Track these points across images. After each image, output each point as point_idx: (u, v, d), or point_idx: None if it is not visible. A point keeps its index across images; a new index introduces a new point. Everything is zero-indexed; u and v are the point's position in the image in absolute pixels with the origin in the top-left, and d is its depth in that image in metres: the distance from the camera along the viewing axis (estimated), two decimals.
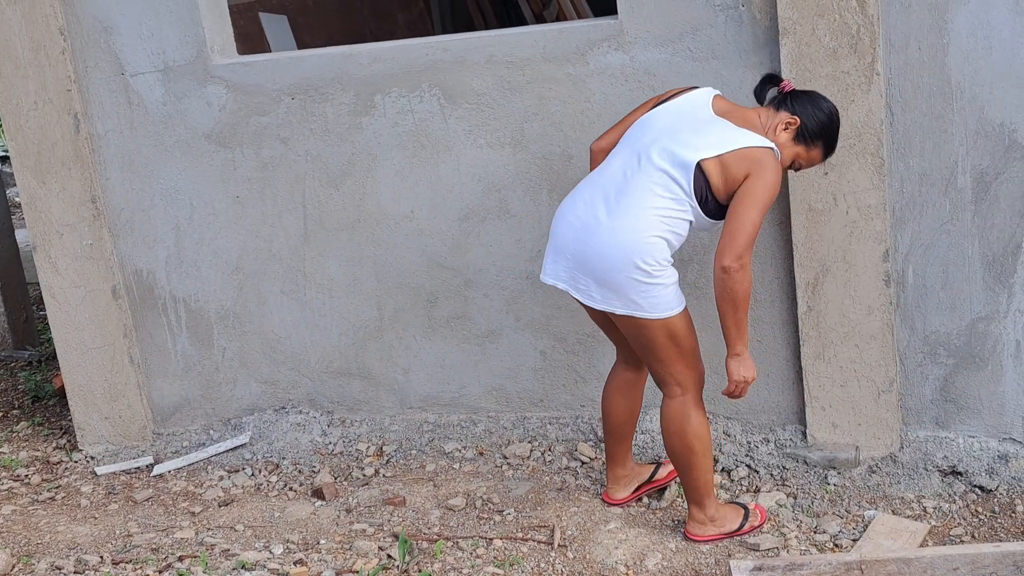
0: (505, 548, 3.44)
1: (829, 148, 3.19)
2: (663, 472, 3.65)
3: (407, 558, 3.39)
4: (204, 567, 3.42)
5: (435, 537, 3.53)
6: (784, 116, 3.15)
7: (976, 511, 3.46)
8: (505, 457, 4.03)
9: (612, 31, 3.65)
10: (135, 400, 4.42)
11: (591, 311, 3.31)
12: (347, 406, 4.32)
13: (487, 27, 7.36)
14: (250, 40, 5.17)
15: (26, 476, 4.33)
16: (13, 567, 3.54)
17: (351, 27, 6.34)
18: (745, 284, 3.00)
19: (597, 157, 3.36)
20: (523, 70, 3.77)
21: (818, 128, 3.14)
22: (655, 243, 3.08)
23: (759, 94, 3.24)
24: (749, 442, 3.82)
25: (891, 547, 3.26)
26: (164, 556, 3.54)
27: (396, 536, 3.54)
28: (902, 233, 3.54)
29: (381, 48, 3.95)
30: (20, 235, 7.06)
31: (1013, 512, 3.43)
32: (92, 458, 4.44)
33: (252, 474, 4.16)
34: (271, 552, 3.51)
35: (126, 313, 4.35)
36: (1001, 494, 3.51)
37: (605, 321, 3.37)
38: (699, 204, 3.08)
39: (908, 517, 3.46)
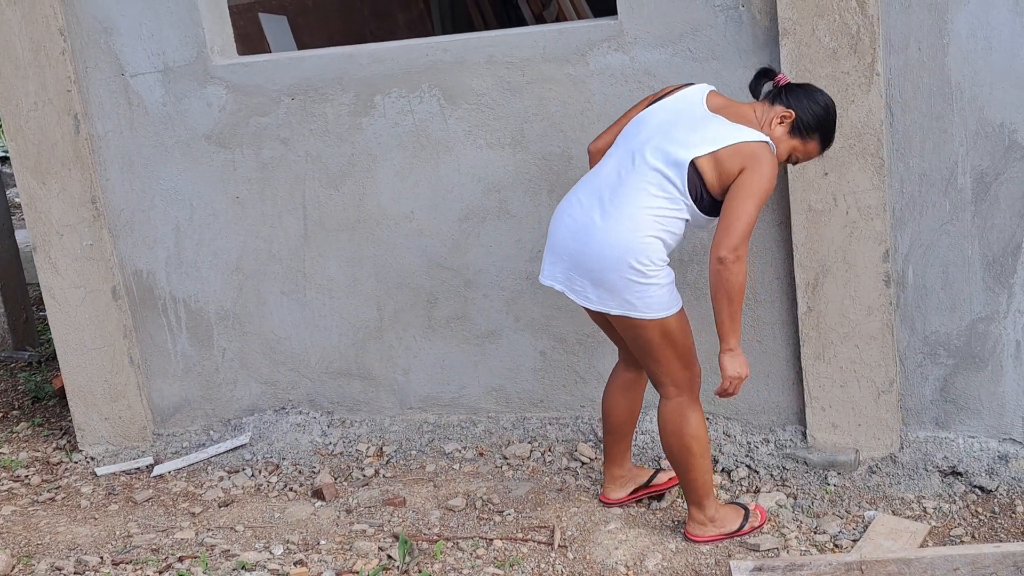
0: (505, 549, 3.44)
1: (826, 141, 3.18)
2: (662, 478, 3.63)
3: (407, 559, 3.39)
4: (204, 568, 3.42)
5: (435, 538, 3.53)
6: (779, 110, 3.14)
7: (976, 511, 3.46)
8: (505, 457, 4.03)
9: (612, 32, 3.65)
10: (135, 401, 4.42)
11: (591, 312, 3.31)
12: (347, 406, 4.32)
13: (487, 27, 7.37)
14: (250, 41, 5.17)
15: (26, 477, 4.34)
16: (13, 568, 3.54)
17: (351, 27, 6.34)
18: (740, 276, 3.00)
19: (595, 158, 3.36)
20: (523, 70, 3.77)
21: (814, 121, 3.13)
22: (650, 243, 3.08)
23: (754, 88, 3.23)
24: (749, 442, 3.82)
25: (891, 547, 3.26)
26: (164, 557, 3.54)
27: (396, 537, 3.54)
28: (902, 233, 3.54)
29: (381, 49, 3.95)
30: (20, 235, 7.06)
31: (1013, 512, 3.43)
32: (92, 459, 4.44)
33: (252, 475, 4.16)
34: (271, 553, 3.51)
35: (126, 314, 4.35)
36: (1001, 494, 3.51)
37: (605, 322, 3.37)
38: (694, 202, 3.08)
39: (908, 517, 3.46)
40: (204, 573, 3.39)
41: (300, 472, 4.13)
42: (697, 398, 3.29)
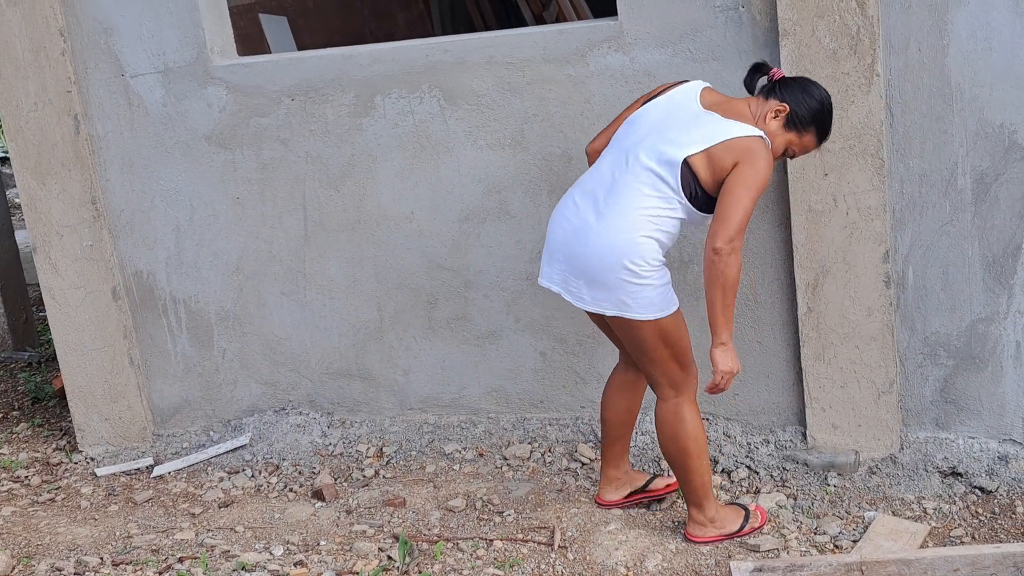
0: (505, 549, 3.44)
1: (822, 133, 3.17)
2: (658, 484, 3.61)
3: (407, 559, 3.39)
4: (204, 568, 3.42)
5: (435, 538, 3.53)
6: (773, 104, 3.13)
7: (976, 512, 3.46)
8: (505, 458, 4.03)
9: (612, 32, 3.65)
10: (135, 401, 4.42)
11: (590, 313, 3.31)
12: (347, 407, 4.32)
13: (487, 28, 7.37)
14: (250, 41, 5.17)
15: (26, 477, 4.33)
16: (13, 568, 3.54)
17: (351, 28, 6.34)
18: (735, 268, 2.98)
19: (592, 159, 3.36)
20: (523, 71, 3.77)
21: (808, 114, 3.12)
22: (644, 243, 3.08)
23: (749, 83, 3.22)
24: (749, 443, 3.82)
25: (891, 548, 3.26)
26: (164, 557, 3.54)
27: (396, 537, 3.54)
28: (902, 234, 3.54)
29: (381, 49, 3.95)
30: (20, 236, 7.07)
31: (1013, 513, 3.43)
32: (92, 459, 4.44)
33: (252, 475, 4.16)
34: (271, 553, 3.51)
35: (126, 314, 4.35)
36: (1001, 495, 3.51)
37: (603, 323, 3.37)
38: (689, 200, 3.08)
39: (908, 518, 3.46)
40: (204, 574, 3.39)
41: (300, 473, 4.13)
42: (694, 399, 3.29)
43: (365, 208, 4.07)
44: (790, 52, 3.41)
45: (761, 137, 3.05)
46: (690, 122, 3.11)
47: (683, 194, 3.06)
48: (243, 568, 3.40)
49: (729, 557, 3.29)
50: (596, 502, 3.63)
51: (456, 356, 4.14)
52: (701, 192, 3.06)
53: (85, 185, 4.21)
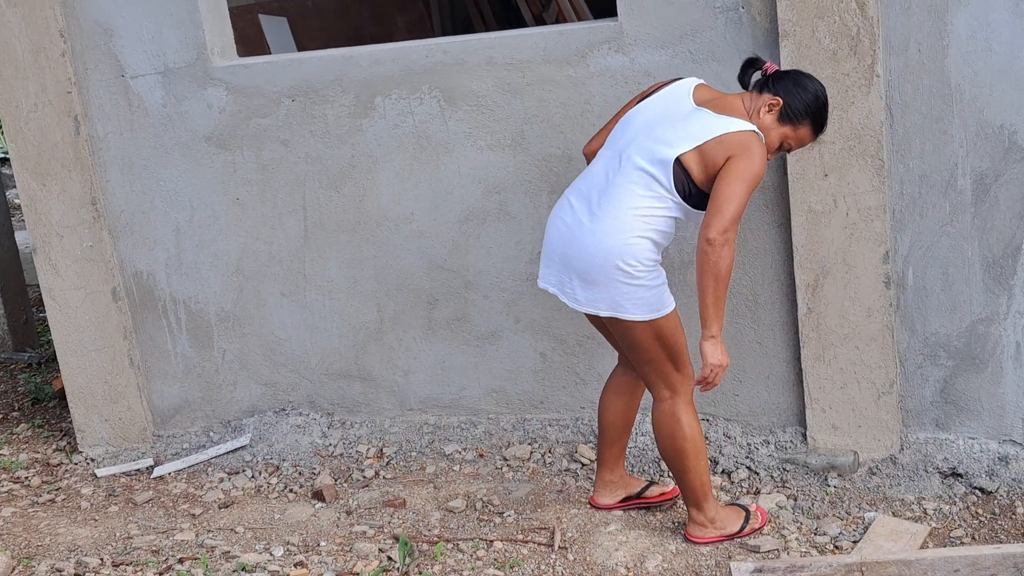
0: (505, 550, 3.44)
1: (818, 126, 3.16)
2: (653, 492, 3.59)
3: (407, 560, 3.39)
4: (205, 569, 3.42)
5: (435, 539, 3.53)
6: (767, 98, 3.12)
7: (976, 513, 3.46)
8: (505, 459, 4.03)
9: (612, 33, 3.65)
10: (135, 402, 4.42)
11: (587, 314, 3.31)
12: (347, 408, 4.32)
13: (487, 29, 7.37)
14: (250, 42, 5.17)
15: (26, 478, 4.33)
16: (13, 569, 3.54)
17: (351, 29, 6.34)
18: (728, 260, 2.96)
19: (590, 160, 3.36)
20: (523, 72, 3.77)
21: (802, 107, 3.11)
22: (637, 243, 3.08)
23: (742, 79, 3.22)
24: (749, 444, 3.83)
25: (891, 549, 3.26)
26: (164, 558, 3.54)
27: (396, 538, 3.54)
28: (902, 235, 3.54)
29: (381, 50, 3.95)
30: (20, 237, 7.06)
31: (1013, 514, 3.43)
32: (92, 460, 4.44)
33: (252, 476, 4.16)
34: (271, 554, 3.51)
35: (126, 315, 4.35)
36: (1001, 496, 3.51)
37: (601, 324, 3.37)
38: (683, 199, 3.07)
39: (908, 519, 3.46)
40: (204, 574, 3.39)
41: (300, 473, 4.13)
42: (691, 400, 3.28)
43: (365, 209, 4.07)
44: (790, 53, 3.42)
45: (754, 131, 3.04)
46: (682, 120, 3.11)
47: (676, 193, 3.06)
48: (243, 569, 3.40)
49: (729, 558, 3.29)
50: (589, 503, 3.63)
51: (456, 357, 4.14)
52: (695, 190, 3.06)
53: (85, 186, 4.21)
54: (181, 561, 3.51)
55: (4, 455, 4.56)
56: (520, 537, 3.51)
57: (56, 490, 4.22)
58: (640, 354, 3.22)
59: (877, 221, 3.48)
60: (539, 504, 3.71)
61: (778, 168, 3.58)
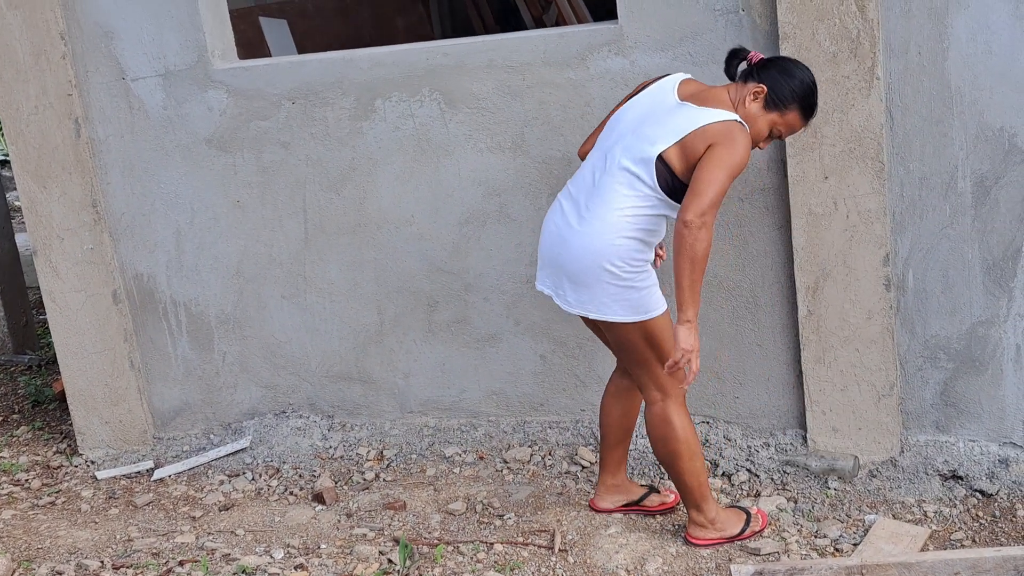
0: (506, 552, 3.44)
1: (806, 110, 3.13)
2: (654, 500, 3.59)
3: (408, 562, 3.39)
4: (205, 572, 3.41)
5: (436, 541, 3.53)
6: (751, 86, 3.10)
7: (977, 515, 3.46)
8: (505, 461, 4.03)
9: (612, 36, 3.66)
10: (135, 404, 4.42)
11: (583, 317, 3.31)
12: (347, 410, 4.32)
13: (487, 32, 7.37)
14: (250, 45, 5.17)
15: (26, 481, 4.33)
16: (13, 572, 3.54)
17: (351, 32, 6.34)
18: (704, 243, 2.94)
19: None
20: (523, 75, 3.78)
21: (787, 92, 3.09)
22: (623, 244, 3.08)
23: (728, 70, 3.20)
24: (749, 446, 3.82)
25: (892, 551, 3.26)
26: (165, 561, 3.54)
27: (397, 540, 3.54)
28: (902, 237, 3.54)
29: (381, 53, 3.95)
30: (20, 239, 7.07)
31: (1014, 516, 3.43)
32: (92, 462, 4.44)
33: (252, 478, 4.16)
34: (272, 557, 3.51)
35: (126, 317, 4.36)
36: (1002, 498, 3.51)
37: (596, 327, 3.38)
38: (668, 195, 3.07)
39: (909, 521, 3.46)
40: None
41: (300, 476, 4.13)
42: (683, 402, 3.28)
43: (365, 211, 4.07)
44: (790, 55, 3.41)
45: (736, 120, 3.03)
46: (665, 116, 3.10)
47: (660, 190, 3.06)
48: (243, 571, 3.40)
49: (730, 560, 3.29)
50: (589, 506, 3.63)
51: (456, 359, 4.14)
52: (678, 183, 3.05)
53: (86, 188, 4.21)
54: (181, 564, 3.50)
55: (4, 457, 4.56)
56: (520, 539, 3.51)
57: (56, 492, 4.22)
58: (630, 355, 3.23)
59: (877, 223, 3.48)
60: (539, 507, 3.71)
61: (778, 170, 3.59)
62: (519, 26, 7.10)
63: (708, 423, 3.90)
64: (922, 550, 3.30)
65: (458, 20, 7.95)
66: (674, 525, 3.51)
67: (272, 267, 4.22)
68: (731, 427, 3.89)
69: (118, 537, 3.78)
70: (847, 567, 3.04)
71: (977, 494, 3.54)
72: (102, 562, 3.58)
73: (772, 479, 3.73)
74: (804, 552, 3.34)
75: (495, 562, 3.39)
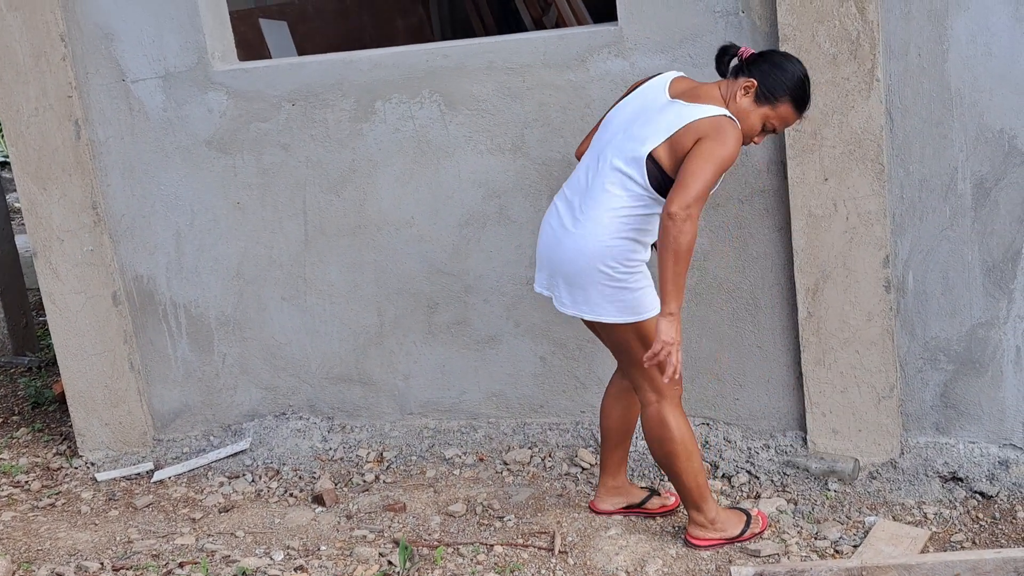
0: (506, 554, 3.44)
1: (799, 102, 3.12)
2: (654, 503, 3.58)
3: (408, 564, 3.39)
4: (205, 573, 3.41)
5: (436, 543, 3.53)
6: (742, 81, 3.10)
7: (977, 517, 3.46)
8: (505, 463, 4.03)
9: (612, 37, 3.66)
10: (135, 406, 4.42)
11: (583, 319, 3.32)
12: (347, 412, 4.32)
13: (487, 33, 7.37)
14: (250, 46, 5.17)
15: (26, 482, 4.33)
16: (13, 573, 3.54)
17: (351, 33, 6.35)
18: (689, 236, 2.92)
19: None
20: (523, 76, 3.78)
21: (777, 84, 3.08)
22: (617, 245, 3.08)
23: (719, 67, 3.20)
24: (750, 448, 3.82)
25: (892, 553, 3.26)
26: (165, 562, 3.54)
27: (397, 542, 3.54)
28: (902, 239, 3.54)
29: (381, 54, 3.95)
30: (20, 241, 7.07)
31: (1014, 518, 3.43)
32: (92, 464, 4.43)
33: (252, 480, 4.16)
34: (272, 558, 3.51)
35: (126, 319, 4.35)
36: (1002, 500, 3.51)
37: (595, 329, 3.38)
38: (660, 194, 3.06)
39: (909, 523, 3.46)
40: None
41: (300, 478, 4.13)
42: (678, 403, 3.28)
43: (365, 213, 4.07)
44: None
45: (725, 115, 3.02)
46: (655, 115, 3.10)
47: (651, 189, 3.06)
48: (243, 573, 3.40)
49: (730, 562, 3.29)
50: (589, 508, 3.63)
51: (456, 361, 4.14)
52: (669, 181, 3.04)
53: (86, 190, 4.21)
54: (181, 565, 3.50)
55: (4, 459, 4.56)
56: (520, 541, 3.51)
57: (56, 494, 4.22)
58: (625, 356, 3.23)
59: (877, 225, 3.48)
60: (539, 508, 3.71)
61: (778, 172, 3.59)
62: (519, 28, 7.11)
63: (708, 425, 3.90)
64: (922, 552, 3.30)
65: (458, 22, 7.96)
66: (674, 527, 3.51)
67: (272, 269, 4.22)
68: (731, 429, 3.89)
69: (118, 539, 3.78)
70: (847, 569, 3.04)
71: (977, 496, 3.54)
72: (102, 564, 3.57)
73: (772, 481, 3.73)
74: (804, 554, 3.34)
75: (495, 564, 3.39)
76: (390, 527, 3.69)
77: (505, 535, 3.57)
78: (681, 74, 3.23)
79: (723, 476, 3.78)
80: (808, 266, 3.58)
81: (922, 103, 3.41)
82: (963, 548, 3.32)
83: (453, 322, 4.10)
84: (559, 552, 3.42)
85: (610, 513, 3.58)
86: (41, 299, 4.86)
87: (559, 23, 6.60)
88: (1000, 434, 3.60)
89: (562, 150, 3.79)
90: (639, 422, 3.66)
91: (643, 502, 3.58)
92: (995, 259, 3.48)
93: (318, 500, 3.91)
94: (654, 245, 3.22)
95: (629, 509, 3.58)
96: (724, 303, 3.78)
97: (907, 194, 3.50)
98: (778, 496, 3.66)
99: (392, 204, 4.03)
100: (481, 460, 4.08)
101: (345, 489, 4.01)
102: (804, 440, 3.77)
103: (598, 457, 3.93)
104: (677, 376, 3.07)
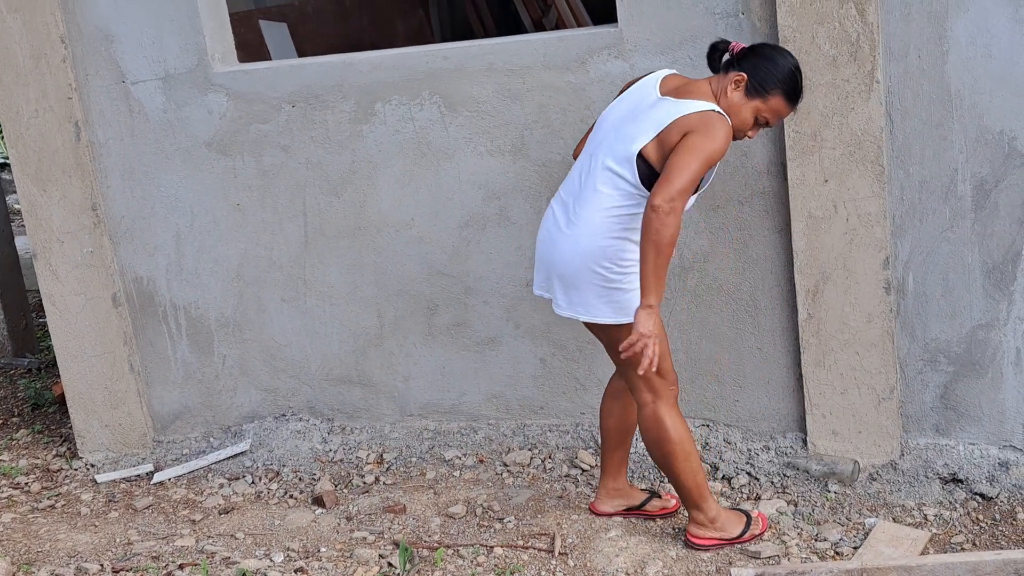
0: (506, 556, 3.44)
1: (790, 95, 3.10)
2: (655, 505, 3.58)
3: (408, 566, 3.39)
4: (205, 575, 3.41)
5: (436, 545, 3.53)
6: (732, 75, 3.09)
7: (977, 519, 3.46)
8: (505, 464, 4.03)
9: (612, 39, 3.66)
10: (135, 408, 4.42)
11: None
12: (347, 413, 4.31)
13: (487, 35, 7.38)
14: (250, 48, 5.17)
15: (26, 484, 4.33)
16: (13, 575, 3.54)
17: (351, 35, 6.35)
18: (672, 229, 2.91)
19: None
20: (523, 78, 3.78)
21: (767, 77, 3.06)
22: (610, 245, 3.08)
23: (712, 64, 3.19)
24: (749, 450, 3.82)
25: (892, 555, 3.26)
26: (165, 564, 3.54)
27: (397, 544, 3.54)
28: (902, 241, 3.54)
29: (381, 56, 3.96)
30: (20, 242, 7.06)
31: (1014, 520, 3.43)
32: (92, 466, 4.43)
33: (252, 482, 4.16)
34: (272, 560, 3.51)
35: (126, 321, 4.35)
36: (1002, 501, 3.50)
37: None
38: (649, 191, 3.05)
39: (909, 525, 3.46)
40: None
41: (300, 479, 4.13)
42: (674, 404, 3.28)
43: (365, 214, 4.07)
44: None
45: (713, 110, 3.02)
46: (644, 113, 3.09)
47: (642, 187, 3.05)
48: (243, 575, 3.40)
49: (730, 564, 3.29)
50: (589, 509, 3.63)
51: (456, 362, 4.14)
52: (656, 176, 3.04)
53: (86, 191, 4.21)
54: (181, 567, 3.50)
55: (4, 461, 4.56)
56: (520, 543, 3.51)
57: (56, 496, 4.22)
58: (621, 357, 3.23)
59: (877, 227, 3.48)
60: (539, 510, 3.71)
61: (778, 174, 3.59)
62: (519, 29, 7.11)
63: (708, 426, 3.90)
64: (922, 553, 3.30)
65: (458, 23, 7.96)
66: (674, 529, 3.51)
67: (272, 270, 4.22)
68: (731, 430, 3.89)
69: (118, 540, 3.78)
70: (847, 570, 3.04)
71: (977, 497, 3.53)
72: (102, 565, 3.57)
73: (772, 482, 3.73)
74: (804, 555, 3.34)
75: (495, 565, 3.39)
76: (390, 529, 3.68)
77: (505, 537, 3.56)
78: (673, 71, 3.23)
79: (723, 478, 3.78)
80: (808, 268, 3.58)
81: (922, 105, 3.42)
82: (963, 550, 3.32)
83: (453, 324, 4.10)
84: (559, 554, 3.41)
85: (610, 515, 3.58)
86: (41, 301, 4.86)
87: (559, 25, 6.60)
88: (1000, 436, 3.60)
89: (562, 152, 3.79)
90: (636, 424, 3.67)
91: (643, 504, 3.58)
92: (995, 261, 3.48)
93: (318, 502, 3.91)
94: None
95: (629, 511, 3.58)
96: (724, 305, 3.78)
97: (907, 196, 3.50)
98: (778, 498, 3.66)
99: (392, 206, 4.03)
100: (481, 462, 4.08)
101: (345, 491, 4.01)
102: (804, 442, 3.77)
103: (598, 459, 3.93)
104: (653, 369, 3.06)
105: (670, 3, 3.56)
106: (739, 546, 3.37)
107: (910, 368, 3.64)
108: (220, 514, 3.94)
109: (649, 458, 3.87)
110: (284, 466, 4.21)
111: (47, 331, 5.63)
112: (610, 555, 3.37)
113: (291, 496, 4.02)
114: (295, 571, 3.42)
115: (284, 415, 4.37)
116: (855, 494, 3.63)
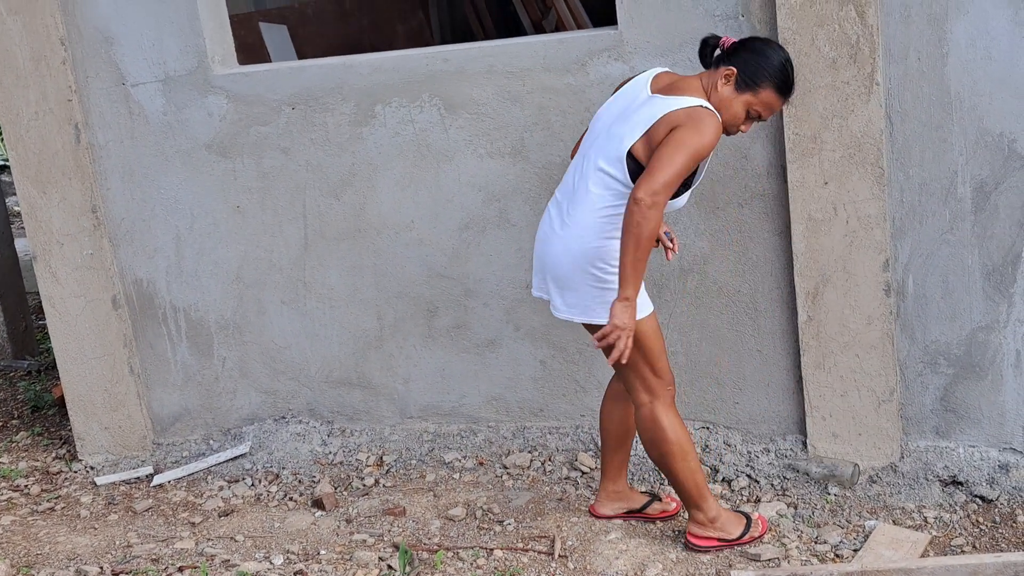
0: (505, 558, 3.44)
1: (781, 88, 3.09)
2: (655, 508, 3.58)
3: (407, 568, 3.39)
4: None
5: (435, 547, 3.53)
6: (722, 70, 3.08)
7: (977, 521, 3.46)
8: (505, 467, 4.03)
9: (612, 41, 3.66)
10: (135, 410, 4.41)
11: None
12: (347, 416, 4.31)
13: (486, 37, 7.38)
14: (250, 50, 5.17)
15: (26, 486, 4.33)
16: None
17: (351, 37, 6.35)
18: (653, 223, 2.90)
19: None
20: (523, 80, 3.78)
21: (758, 71, 3.05)
22: (603, 246, 3.08)
23: (703, 60, 3.19)
24: (750, 452, 3.82)
25: (892, 557, 3.25)
26: (164, 566, 3.54)
27: (396, 546, 3.54)
28: (902, 243, 3.54)
29: (381, 58, 3.96)
30: (20, 244, 7.07)
31: (1014, 522, 3.43)
32: (92, 468, 4.43)
33: (252, 484, 4.16)
34: (271, 562, 3.51)
35: (126, 323, 4.35)
36: (1002, 504, 3.50)
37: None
38: None
39: (909, 527, 3.45)
40: None
41: (300, 482, 4.13)
42: (671, 404, 3.27)
43: (365, 217, 4.07)
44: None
45: (701, 105, 3.01)
46: (634, 112, 3.09)
47: (633, 186, 3.05)
48: None
49: (730, 566, 3.29)
50: (589, 512, 3.62)
51: (456, 365, 4.14)
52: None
53: (85, 194, 4.21)
54: (181, 570, 3.50)
55: (3, 463, 4.56)
56: (520, 545, 3.51)
57: (56, 498, 4.21)
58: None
59: (877, 229, 3.48)
60: (539, 512, 3.71)
61: (778, 176, 3.59)
62: (518, 31, 7.11)
63: (708, 428, 3.90)
64: (922, 556, 3.29)
65: (458, 25, 7.96)
66: (674, 531, 3.51)
67: (272, 272, 4.22)
68: (731, 433, 3.88)
69: (117, 543, 3.78)
70: (847, 573, 3.03)
71: (977, 500, 3.53)
72: (101, 568, 3.57)
73: (772, 485, 3.73)
74: (804, 558, 3.33)
75: (495, 568, 3.39)
76: (390, 531, 3.68)
77: (505, 539, 3.56)
78: (665, 69, 3.22)
79: (723, 480, 3.78)
80: (808, 270, 3.58)
81: (922, 107, 3.42)
82: (963, 552, 3.31)
83: (453, 326, 4.10)
84: (559, 556, 3.41)
85: (610, 518, 3.58)
86: (41, 303, 4.86)
87: (559, 27, 6.60)
88: (1000, 438, 3.60)
89: (562, 154, 3.79)
90: (635, 429, 3.66)
91: (644, 507, 3.57)
92: (995, 263, 3.48)
93: (318, 504, 3.91)
94: None
95: (630, 514, 3.58)
96: (724, 307, 3.78)
97: (907, 198, 3.50)
98: (778, 500, 3.66)
99: (392, 208, 4.03)
100: (481, 464, 4.08)
101: (345, 493, 4.01)
102: (804, 444, 3.77)
103: (598, 461, 3.92)
104: (624, 361, 3.05)
105: (670, 5, 3.56)
106: (739, 548, 3.36)
107: (910, 370, 3.64)
108: (220, 516, 3.93)
109: (649, 461, 3.87)
110: (284, 468, 4.21)
111: (47, 333, 5.62)
112: (610, 558, 3.37)
113: (291, 498, 4.02)
114: (295, 574, 3.42)
115: (284, 417, 4.37)
116: (855, 496, 3.63)
